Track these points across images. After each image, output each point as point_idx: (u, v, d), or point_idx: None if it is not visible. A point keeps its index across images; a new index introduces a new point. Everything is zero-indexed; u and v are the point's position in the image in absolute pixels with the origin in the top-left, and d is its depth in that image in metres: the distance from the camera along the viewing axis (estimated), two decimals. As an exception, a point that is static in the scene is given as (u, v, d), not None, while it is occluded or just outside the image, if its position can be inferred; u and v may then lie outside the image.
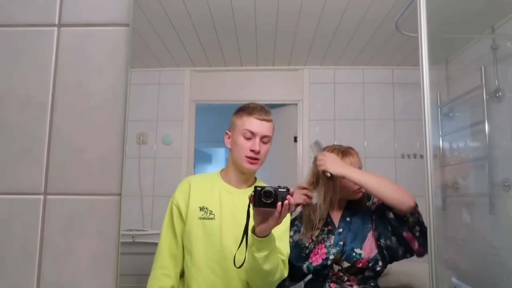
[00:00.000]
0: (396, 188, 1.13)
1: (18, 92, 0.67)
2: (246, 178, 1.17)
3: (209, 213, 1.12)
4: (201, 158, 1.78)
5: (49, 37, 0.70)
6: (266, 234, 0.95)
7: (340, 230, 1.23)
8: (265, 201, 0.92)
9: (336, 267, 1.19)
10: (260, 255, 0.97)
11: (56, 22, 0.69)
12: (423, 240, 1.08)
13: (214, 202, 1.13)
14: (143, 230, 1.46)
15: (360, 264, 1.17)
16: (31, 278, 0.65)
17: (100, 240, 0.66)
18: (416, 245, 1.13)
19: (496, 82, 1.27)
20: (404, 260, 1.23)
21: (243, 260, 0.97)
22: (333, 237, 1.22)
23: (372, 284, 1.19)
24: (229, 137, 1.18)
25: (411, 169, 1.59)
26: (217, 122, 1.65)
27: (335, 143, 1.68)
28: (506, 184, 1.20)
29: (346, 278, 1.18)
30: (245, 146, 1.12)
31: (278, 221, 0.94)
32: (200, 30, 1.48)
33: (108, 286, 0.65)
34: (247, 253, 0.98)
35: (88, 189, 0.67)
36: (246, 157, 1.12)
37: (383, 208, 1.17)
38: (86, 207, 0.67)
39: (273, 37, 1.51)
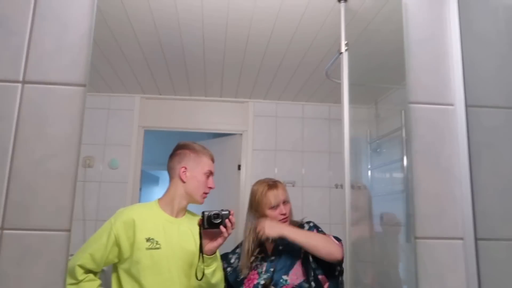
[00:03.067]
0: (325, 243, 1.29)
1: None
2: (184, 208, 1.27)
3: (156, 243, 1.19)
4: (149, 180, 1.82)
5: (13, 92, 0.76)
6: (214, 252, 1.14)
7: (272, 258, 1.32)
8: (215, 222, 1.13)
9: None
10: (209, 270, 1.13)
11: (21, 79, 0.76)
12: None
13: (159, 232, 1.21)
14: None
15: None
16: (-16, 307, 0.69)
17: (50, 271, 0.72)
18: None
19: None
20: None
21: (201, 274, 1.12)
22: (265, 264, 1.31)
23: None
24: (185, 171, 1.28)
25: (344, 198, 1.72)
26: (166, 145, 1.70)
27: (276, 171, 1.80)
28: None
29: None
30: (206, 184, 1.32)
31: (226, 238, 1.14)
32: (151, 60, 1.55)
33: (56, 314, 0.71)
34: (198, 269, 1.14)
35: (42, 225, 0.73)
36: (204, 193, 1.31)
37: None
38: (39, 241, 0.73)
39: (221, 70, 1.62)
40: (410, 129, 0.83)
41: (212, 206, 1.33)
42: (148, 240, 1.19)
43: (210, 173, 1.33)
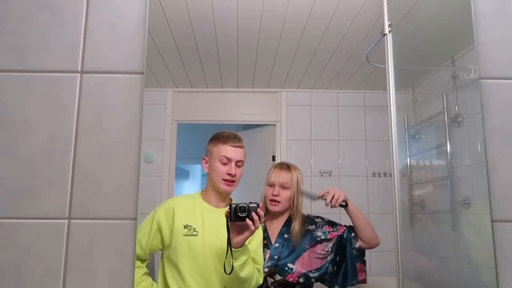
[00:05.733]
0: (372, 227, 1.33)
1: (45, 130, 0.74)
2: (224, 197, 1.29)
3: (193, 230, 1.22)
4: (179, 174, 1.82)
5: (73, 82, 0.77)
6: (242, 245, 1.11)
7: (277, 245, 1.32)
8: (241, 215, 1.09)
9: (270, 280, 1.29)
10: (237, 263, 1.11)
11: (79, 69, 0.76)
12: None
13: (197, 220, 1.23)
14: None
15: (291, 279, 1.27)
16: (56, 295, 0.70)
17: (117, 259, 0.73)
18: (363, 276, 1.32)
19: (456, 108, 1.39)
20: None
21: (230, 268, 1.10)
22: (268, 251, 1.31)
23: None
24: (206, 162, 1.30)
25: (382, 187, 1.69)
26: (195, 139, 1.70)
27: (312, 162, 1.77)
28: (466, 202, 1.31)
29: None
30: (222, 171, 1.29)
31: (253, 232, 1.10)
32: (183, 53, 1.55)
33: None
34: (226, 263, 1.12)
35: (108, 214, 0.74)
36: (223, 180, 1.27)
37: (349, 239, 1.34)
38: (105, 230, 0.73)
39: (253, 61, 1.60)
40: (483, 107, 0.79)
41: (246, 198, 1.32)
42: (185, 227, 1.23)
43: (226, 159, 1.29)
